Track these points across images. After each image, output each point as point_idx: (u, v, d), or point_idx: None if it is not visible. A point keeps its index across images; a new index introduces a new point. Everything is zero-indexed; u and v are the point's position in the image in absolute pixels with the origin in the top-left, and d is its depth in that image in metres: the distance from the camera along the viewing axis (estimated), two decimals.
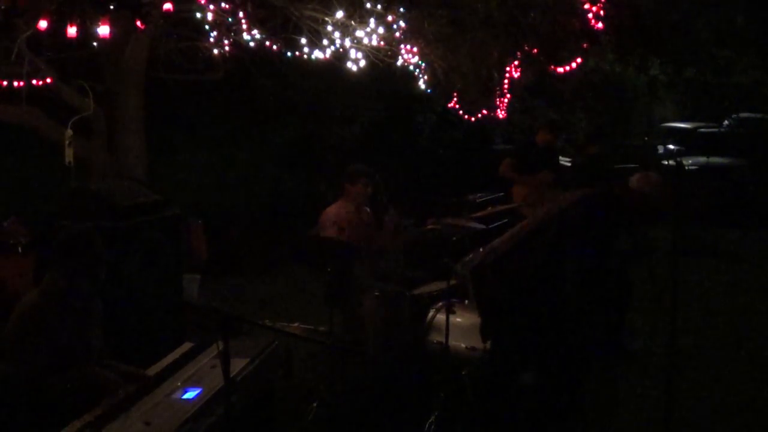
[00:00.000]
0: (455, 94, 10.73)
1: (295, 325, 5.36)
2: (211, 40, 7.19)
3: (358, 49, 7.06)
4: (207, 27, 6.75)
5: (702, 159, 12.99)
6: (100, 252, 3.57)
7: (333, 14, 6.56)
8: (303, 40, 6.96)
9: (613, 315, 5.21)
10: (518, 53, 10.06)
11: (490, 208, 7.53)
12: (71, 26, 4.29)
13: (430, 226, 6.05)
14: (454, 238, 5.77)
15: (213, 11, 6.06)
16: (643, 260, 5.41)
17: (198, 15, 6.13)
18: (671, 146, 14.29)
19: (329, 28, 6.76)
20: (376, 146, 13.18)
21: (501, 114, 12.03)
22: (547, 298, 4.10)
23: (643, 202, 4.28)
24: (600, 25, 8.73)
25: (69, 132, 6.15)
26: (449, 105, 11.55)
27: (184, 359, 3.83)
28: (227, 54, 7.56)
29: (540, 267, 4.07)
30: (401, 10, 7.17)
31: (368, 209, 5.90)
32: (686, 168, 12.47)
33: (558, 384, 4.09)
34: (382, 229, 5.82)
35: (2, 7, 4.62)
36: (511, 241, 4.18)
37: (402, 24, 7.23)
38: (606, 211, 4.23)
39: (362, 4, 6.68)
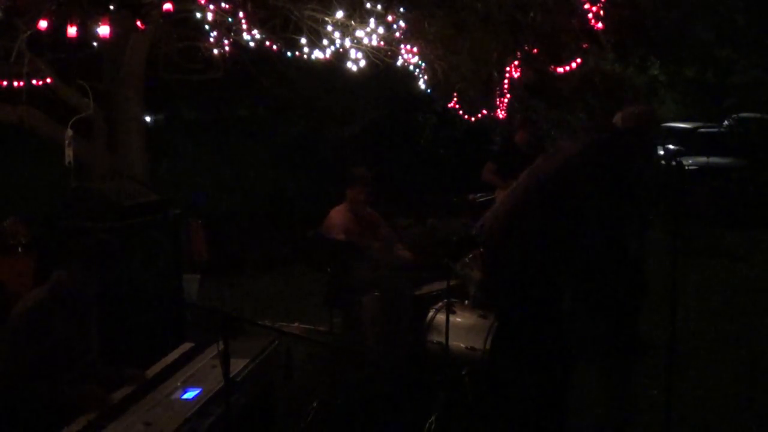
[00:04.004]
0: (455, 94, 10.73)
1: (295, 325, 5.37)
2: (211, 40, 7.19)
3: (358, 49, 7.06)
4: (207, 27, 6.74)
5: (702, 159, 12.99)
6: (117, 257, 3.60)
7: (333, 14, 6.56)
8: (303, 40, 6.96)
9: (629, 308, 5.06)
10: (518, 53, 10.06)
11: None
12: (71, 26, 4.29)
13: (429, 226, 6.05)
14: (454, 238, 5.77)
15: (213, 11, 6.06)
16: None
17: (198, 15, 6.12)
18: (671, 146, 14.26)
19: (329, 28, 6.76)
20: (376, 146, 13.19)
21: (501, 114, 12.03)
22: (562, 261, 3.84)
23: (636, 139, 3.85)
24: (600, 25, 8.72)
25: (69, 132, 6.13)
26: (449, 105, 11.55)
27: (184, 359, 3.83)
28: (227, 54, 7.56)
29: (553, 226, 3.79)
30: (401, 10, 7.16)
31: (370, 209, 5.90)
32: (686, 168, 12.57)
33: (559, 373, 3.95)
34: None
35: (2, 7, 4.63)
36: (514, 199, 3.93)
37: (402, 24, 7.23)
38: (614, 155, 3.84)
39: (362, 4, 6.68)
